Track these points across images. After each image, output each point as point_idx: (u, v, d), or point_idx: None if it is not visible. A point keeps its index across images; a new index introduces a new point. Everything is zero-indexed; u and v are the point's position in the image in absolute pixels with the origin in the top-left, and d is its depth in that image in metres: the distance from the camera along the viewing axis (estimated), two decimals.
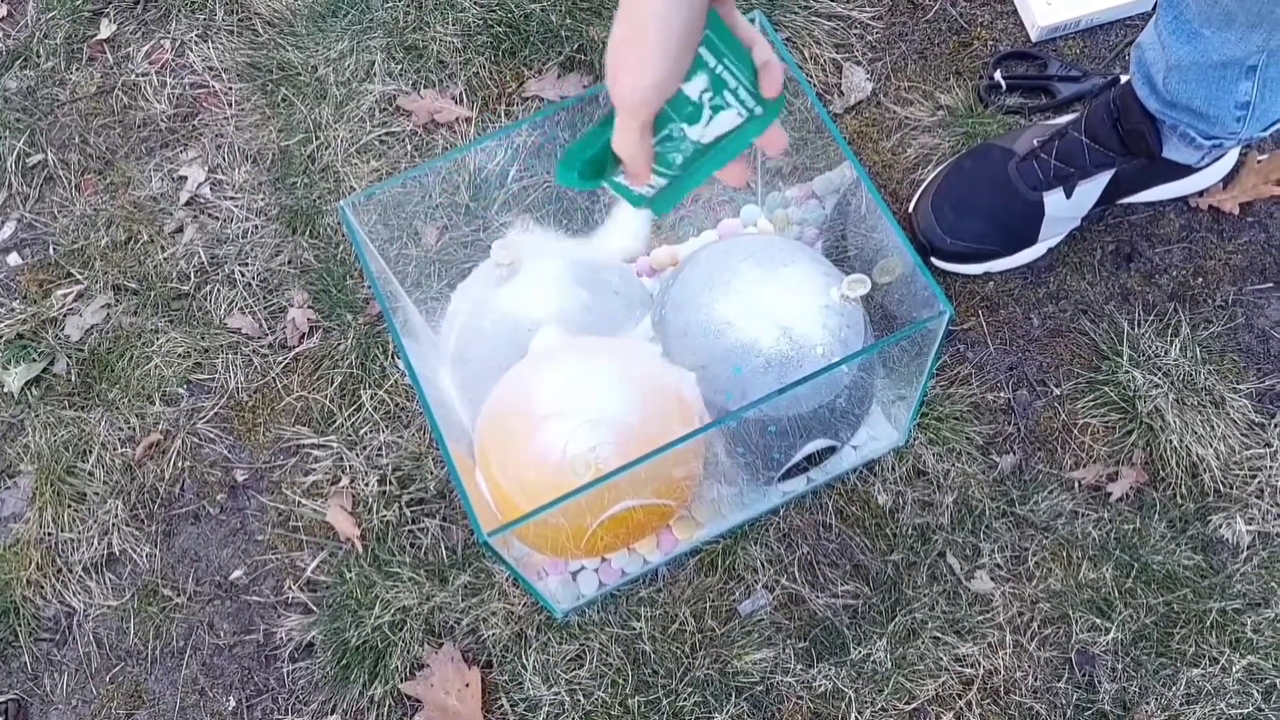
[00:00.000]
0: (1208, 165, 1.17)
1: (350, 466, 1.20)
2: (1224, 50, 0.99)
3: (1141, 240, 1.24)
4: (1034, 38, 1.34)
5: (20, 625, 1.18)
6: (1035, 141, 1.17)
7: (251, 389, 1.26)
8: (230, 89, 1.41)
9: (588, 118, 1.10)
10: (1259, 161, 1.24)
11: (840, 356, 1.00)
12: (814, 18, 1.36)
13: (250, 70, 1.42)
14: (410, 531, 1.17)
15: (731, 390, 1.01)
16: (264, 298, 1.30)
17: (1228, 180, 1.24)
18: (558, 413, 0.97)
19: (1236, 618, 1.08)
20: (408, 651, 1.13)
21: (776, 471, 1.08)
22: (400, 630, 1.13)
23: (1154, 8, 1.05)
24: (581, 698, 1.09)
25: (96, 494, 1.23)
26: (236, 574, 1.19)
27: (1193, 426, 1.14)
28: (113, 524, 1.21)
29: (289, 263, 1.31)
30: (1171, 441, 1.14)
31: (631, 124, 0.59)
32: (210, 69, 1.43)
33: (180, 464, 1.23)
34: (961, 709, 1.07)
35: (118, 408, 1.26)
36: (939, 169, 1.24)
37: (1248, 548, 1.10)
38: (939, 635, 1.09)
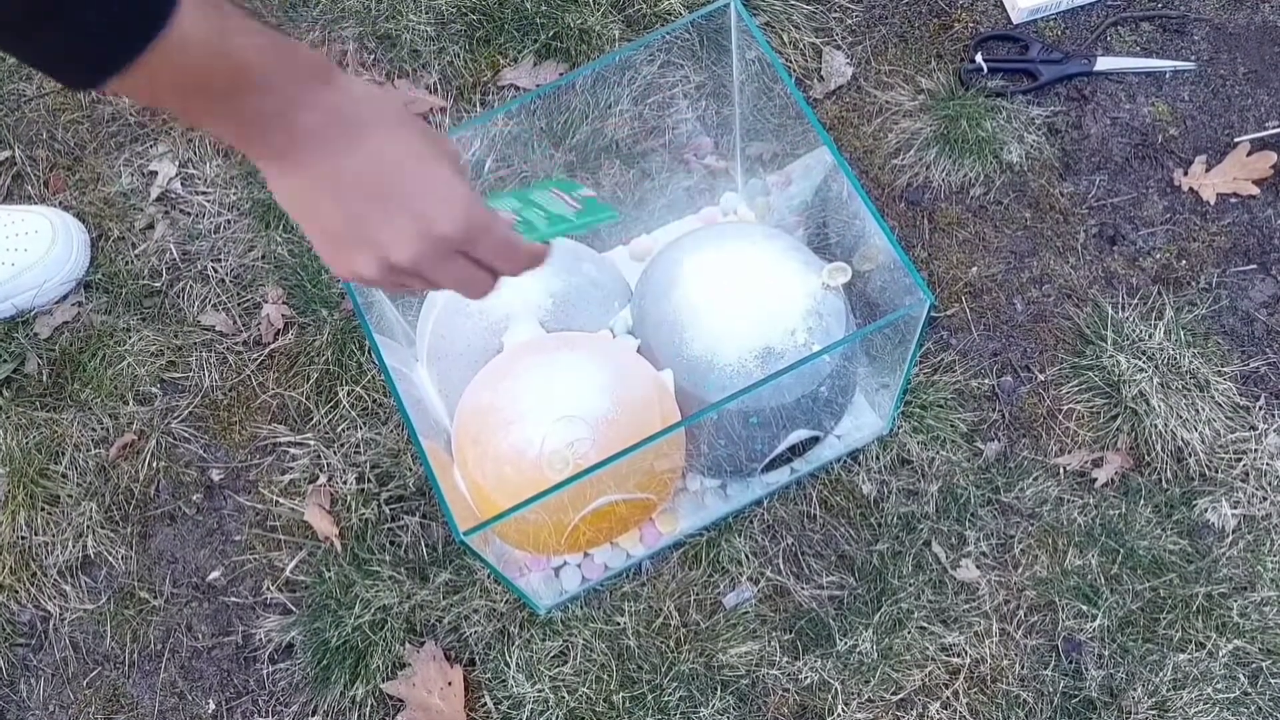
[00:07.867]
0: None
1: (328, 464, 1.19)
2: None
3: (1125, 223, 1.23)
4: (1015, 19, 1.32)
5: None
6: None
7: (226, 387, 1.24)
8: None
9: (564, 106, 1.08)
10: (1247, 156, 1.22)
11: (822, 345, 0.99)
12: (793, 2, 1.35)
13: None
14: (390, 529, 1.16)
15: (711, 382, 0.99)
16: (238, 294, 1.28)
17: (1212, 164, 1.22)
18: (534, 408, 0.96)
19: (1223, 602, 1.07)
20: (389, 651, 1.11)
21: (760, 462, 1.07)
22: (381, 629, 1.12)
23: None
24: (565, 694, 1.08)
25: (70, 496, 1.21)
26: (214, 575, 1.17)
27: (1177, 410, 1.13)
28: (87, 526, 1.19)
29: (263, 258, 1.29)
30: (1156, 426, 1.13)
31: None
32: None
33: (155, 464, 1.21)
34: (948, 698, 1.06)
35: (90, 408, 1.24)
36: None
37: (1233, 531, 1.10)
38: (925, 625, 1.08)
